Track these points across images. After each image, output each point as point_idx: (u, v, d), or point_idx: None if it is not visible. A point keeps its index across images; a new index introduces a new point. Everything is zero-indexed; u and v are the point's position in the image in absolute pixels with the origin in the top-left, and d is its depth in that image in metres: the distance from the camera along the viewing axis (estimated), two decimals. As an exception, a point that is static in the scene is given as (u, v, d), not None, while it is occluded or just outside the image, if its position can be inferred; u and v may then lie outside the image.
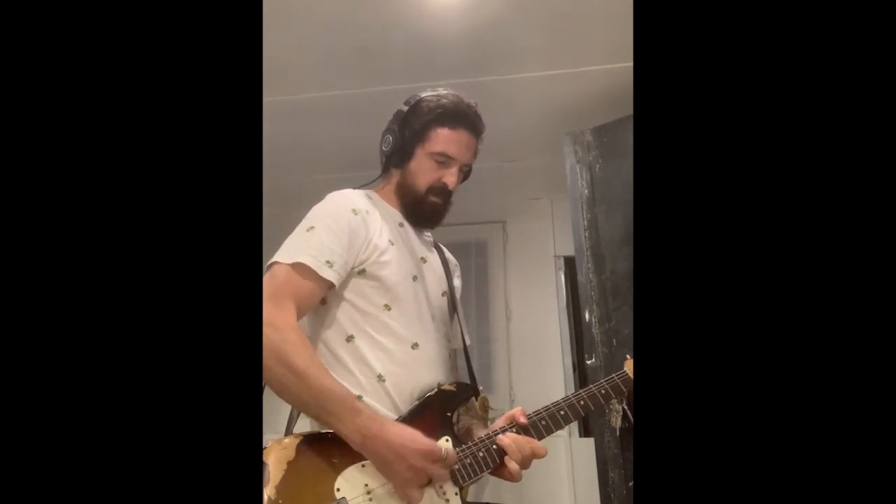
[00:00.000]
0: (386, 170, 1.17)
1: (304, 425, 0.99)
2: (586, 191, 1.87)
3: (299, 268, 0.93)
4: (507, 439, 0.94)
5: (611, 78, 1.98)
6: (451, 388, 1.02)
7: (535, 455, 0.94)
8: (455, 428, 1.00)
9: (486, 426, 1.05)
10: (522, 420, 0.96)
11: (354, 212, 1.02)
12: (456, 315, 1.18)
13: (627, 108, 1.70)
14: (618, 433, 1.57)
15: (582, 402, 1.00)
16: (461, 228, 2.92)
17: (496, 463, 0.94)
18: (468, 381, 1.09)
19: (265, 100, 1.96)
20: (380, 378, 0.97)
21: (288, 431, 1.00)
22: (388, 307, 1.01)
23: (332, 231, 0.98)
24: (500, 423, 0.99)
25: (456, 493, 0.91)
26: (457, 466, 0.92)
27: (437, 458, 0.86)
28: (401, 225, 1.12)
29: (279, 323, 0.88)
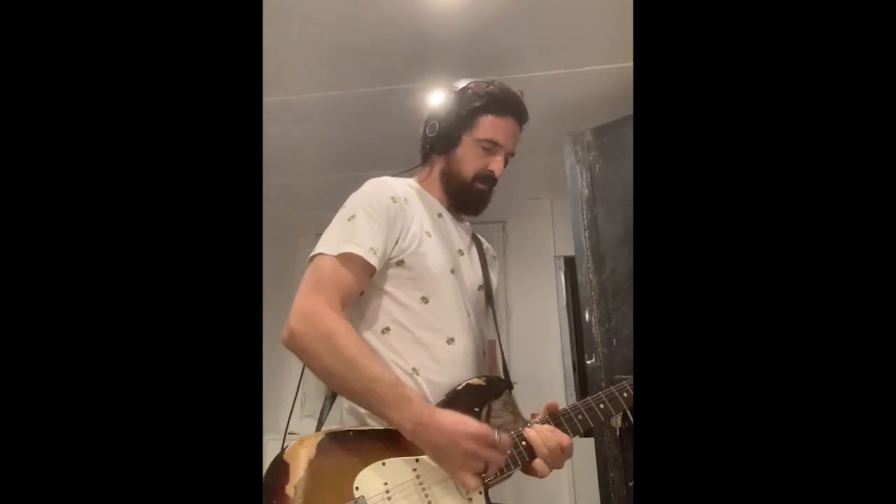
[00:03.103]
0: (428, 157, 1.15)
1: (335, 419, 0.99)
2: (586, 191, 1.87)
3: (344, 258, 0.93)
4: (532, 431, 0.92)
5: (611, 78, 1.98)
6: (480, 382, 0.99)
7: (562, 448, 0.91)
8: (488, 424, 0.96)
9: (522, 422, 1.01)
10: (553, 410, 0.94)
11: (393, 199, 1.02)
12: (491, 308, 1.15)
13: (627, 108, 1.70)
14: (618, 433, 1.56)
15: (625, 394, 0.97)
16: (461, 228, 2.91)
17: (525, 461, 0.91)
18: (501, 376, 1.06)
19: (265, 100, 1.96)
20: (414, 371, 0.96)
21: (319, 426, 1.00)
22: (425, 300, 0.99)
23: (371, 219, 0.97)
24: (536, 417, 0.96)
25: (480, 492, 0.89)
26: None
27: (491, 442, 0.83)
28: (440, 216, 1.10)
29: (324, 313, 0.88)
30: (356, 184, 1.12)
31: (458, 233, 1.13)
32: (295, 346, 0.88)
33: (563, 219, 2.70)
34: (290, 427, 1.08)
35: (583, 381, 2.62)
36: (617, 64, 1.93)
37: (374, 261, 0.94)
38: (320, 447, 0.88)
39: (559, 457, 0.92)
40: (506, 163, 1.12)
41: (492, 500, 0.91)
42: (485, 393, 0.99)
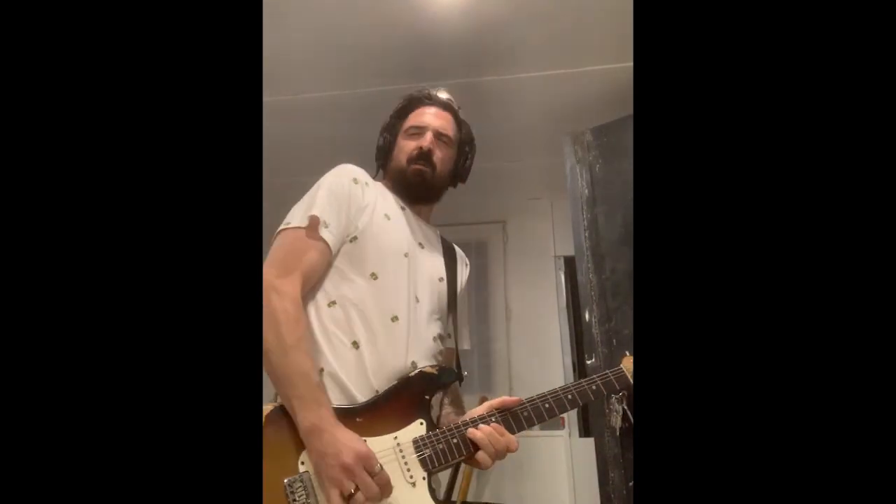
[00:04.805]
0: (381, 170, 1.25)
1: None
2: (586, 191, 1.87)
3: (308, 228, 0.98)
4: (480, 433, 0.93)
5: (611, 78, 1.98)
6: (433, 370, 1.00)
7: (508, 449, 0.94)
8: (434, 413, 0.99)
9: (462, 412, 1.05)
10: (509, 404, 0.97)
11: (355, 181, 1.09)
12: (452, 315, 1.18)
13: (627, 108, 1.70)
14: (618, 433, 1.56)
15: (570, 397, 0.99)
16: (461, 228, 2.92)
17: (470, 451, 0.94)
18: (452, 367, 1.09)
19: (265, 100, 1.96)
20: (354, 345, 0.97)
21: (275, 398, 0.99)
22: (374, 276, 1.03)
23: (332, 194, 1.04)
24: (478, 410, 0.98)
25: (423, 478, 0.89)
26: (428, 452, 0.91)
27: (371, 467, 0.83)
28: (402, 208, 1.16)
29: (283, 290, 0.92)
30: (355, 184, 1.13)
31: (420, 228, 1.18)
32: None
33: (563, 219, 2.70)
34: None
35: (583, 381, 2.62)
36: (617, 64, 1.93)
37: (326, 235, 0.99)
38: (268, 419, 0.88)
39: (503, 455, 0.95)
40: (444, 141, 1.18)
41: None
42: (436, 382, 1.00)
